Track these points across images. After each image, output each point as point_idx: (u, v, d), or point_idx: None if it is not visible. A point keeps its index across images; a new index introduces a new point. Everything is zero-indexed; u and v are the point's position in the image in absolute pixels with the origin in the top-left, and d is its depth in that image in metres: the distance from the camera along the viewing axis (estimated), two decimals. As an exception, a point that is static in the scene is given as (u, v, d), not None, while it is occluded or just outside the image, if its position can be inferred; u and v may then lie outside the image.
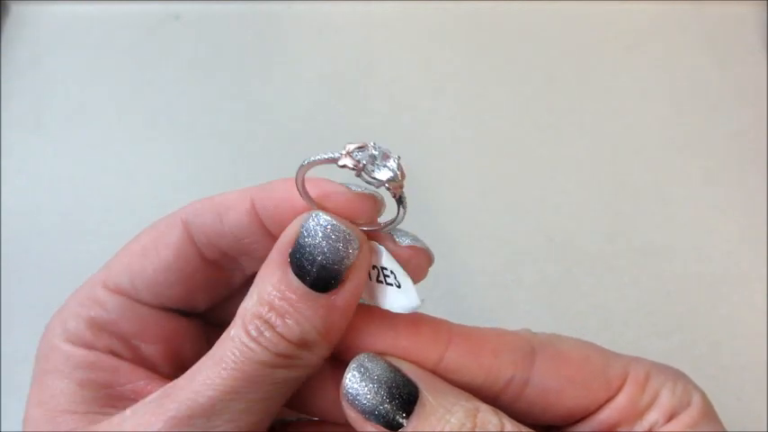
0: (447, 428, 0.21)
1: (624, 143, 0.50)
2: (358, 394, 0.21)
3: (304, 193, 0.22)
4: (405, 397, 0.21)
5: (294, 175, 0.22)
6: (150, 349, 0.25)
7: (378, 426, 0.21)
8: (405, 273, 0.23)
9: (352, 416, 0.21)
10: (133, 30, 0.55)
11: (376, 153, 0.21)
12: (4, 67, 0.54)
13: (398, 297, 0.22)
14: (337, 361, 0.23)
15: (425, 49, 0.55)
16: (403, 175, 0.21)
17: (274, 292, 0.21)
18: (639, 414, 0.24)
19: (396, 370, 0.22)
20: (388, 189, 0.21)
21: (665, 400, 0.24)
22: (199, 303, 0.27)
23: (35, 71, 0.54)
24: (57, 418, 0.23)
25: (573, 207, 0.48)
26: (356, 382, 0.21)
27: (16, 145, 0.51)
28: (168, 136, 0.51)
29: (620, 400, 0.24)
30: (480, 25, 0.55)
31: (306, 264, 0.21)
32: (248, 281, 0.26)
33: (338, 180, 0.24)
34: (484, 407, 0.22)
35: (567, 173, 0.49)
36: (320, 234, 0.21)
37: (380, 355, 0.22)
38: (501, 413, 0.22)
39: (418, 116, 0.52)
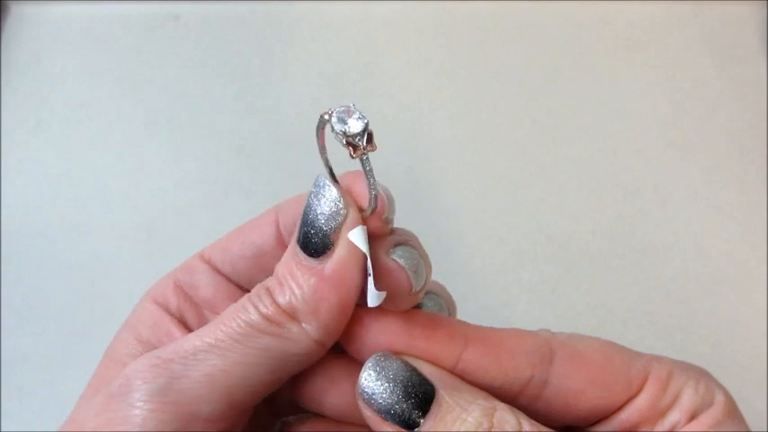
0: (464, 428, 0.21)
1: (624, 143, 0.50)
2: (374, 393, 0.21)
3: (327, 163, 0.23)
4: (421, 396, 0.21)
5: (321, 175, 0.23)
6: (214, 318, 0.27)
7: (394, 425, 0.21)
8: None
9: (368, 415, 0.21)
10: (133, 30, 0.55)
11: (340, 112, 0.21)
12: (4, 67, 0.54)
13: (371, 288, 0.22)
14: (353, 361, 0.23)
15: (425, 49, 0.55)
16: (365, 146, 0.21)
17: (282, 265, 0.22)
18: (661, 414, 0.23)
19: (412, 369, 0.22)
20: (351, 148, 0.21)
21: (687, 400, 0.23)
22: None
23: (35, 71, 0.54)
24: (109, 367, 0.25)
25: (573, 207, 0.48)
26: (372, 381, 0.21)
27: (16, 145, 0.51)
28: (168, 136, 0.52)
29: (641, 400, 0.23)
30: (480, 25, 0.55)
31: (304, 227, 0.22)
32: None
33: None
34: (501, 406, 0.22)
35: (567, 173, 0.49)
36: (315, 194, 0.22)
37: (396, 354, 0.22)
38: (519, 412, 0.22)
39: (418, 116, 0.52)
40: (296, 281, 0.22)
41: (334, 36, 0.55)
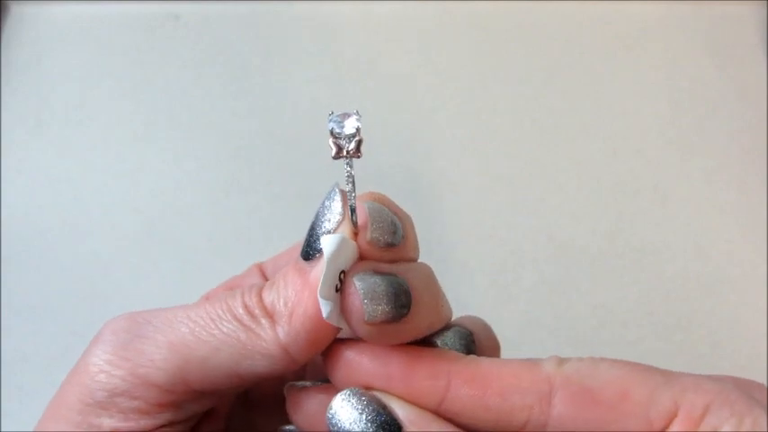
0: None
1: (624, 143, 0.50)
2: (341, 428, 0.21)
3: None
4: None
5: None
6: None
7: None
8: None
9: None
10: (133, 30, 0.55)
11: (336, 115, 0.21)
12: (4, 67, 0.54)
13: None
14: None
15: (425, 49, 0.55)
16: (351, 150, 0.21)
17: (281, 272, 0.23)
18: None
19: (381, 407, 0.21)
20: (335, 148, 0.21)
21: None
22: None
23: (35, 71, 0.54)
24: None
25: (573, 207, 0.48)
26: (339, 415, 0.21)
27: (16, 145, 0.51)
28: (168, 136, 0.51)
29: None
30: (480, 25, 0.55)
31: (308, 231, 0.22)
32: None
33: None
34: None
35: (567, 173, 0.49)
36: (324, 200, 0.22)
37: (370, 389, 0.21)
38: None
39: (418, 116, 0.52)
40: (284, 281, 0.22)
41: (334, 36, 0.55)
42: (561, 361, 0.21)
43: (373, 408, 0.21)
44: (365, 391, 0.21)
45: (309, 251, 0.22)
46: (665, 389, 0.20)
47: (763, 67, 0.52)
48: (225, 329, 0.22)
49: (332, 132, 0.21)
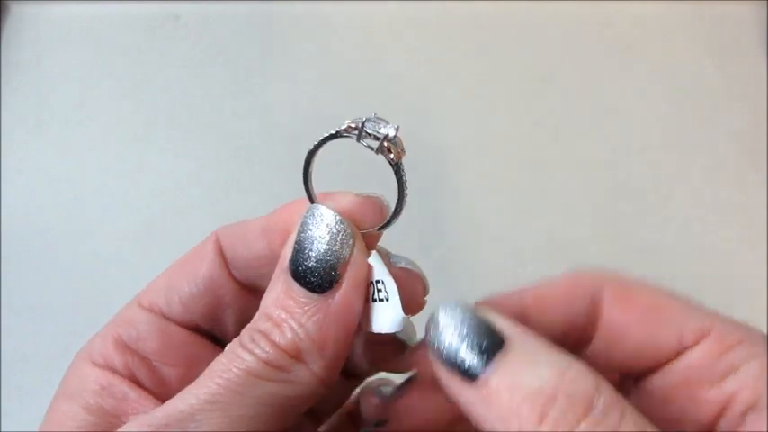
0: (526, 383, 0.18)
1: (624, 143, 0.50)
2: (439, 340, 0.20)
3: (311, 189, 0.22)
4: (489, 347, 0.19)
5: (303, 179, 0.22)
6: (170, 372, 0.24)
7: (456, 373, 0.19)
8: (394, 283, 0.21)
9: (432, 359, 0.20)
10: (133, 30, 0.55)
11: (373, 118, 0.21)
12: (4, 67, 0.54)
13: (386, 312, 0.21)
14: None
15: (425, 50, 0.55)
16: (402, 150, 0.21)
17: (273, 303, 0.21)
18: (715, 377, 0.20)
19: (481, 318, 0.20)
20: (388, 152, 0.20)
21: (751, 376, 0.20)
22: (227, 327, 0.26)
23: (35, 71, 0.54)
24: None
25: (573, 207, 0.48)
26: (440, 330, 0.20)
27: (16, 145, 0.51)
28: (168, 136, 0.51)
29: (694, 354, 0.21)
30: (480, 25, 0.55)
31: (302, 260, 0.21)
32: None
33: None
34: (579, 366, 0.19)
35: (567, 173, 0.49)
36: (315, 225, 0.21)
37: (467, 303, 0.21)
38: (602, 379, 0.19)
39: (418, 116, 0.52)
40: (296, 319, 0.20)
41: (334, 36, 0.55)
42: (607, 271, 0.23)
43: (476, 319, 0.20)
44: (463, 303, 0.21)
45: (320, 282, 0.20)
46: (700, 314, 0.22)
47: (763, 67, 0.52)
48: (259, 393, 0.20)
49: (384, 137, 0.20)
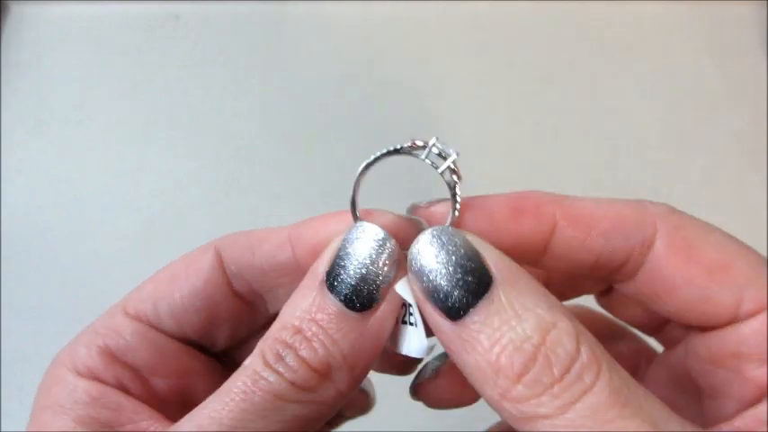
0: (508, 336, 0.17)
1: (624, 143, 0.50)
2: (424, 268, 0.19)
3: (356, 203, 0.21)
4: (474, 286, 0.18)
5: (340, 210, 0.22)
6: (161, 384, 0.23)
7: (436, 308, 0.18)
8: (418, 311, 0.20)
9: (414, 289, 0.19)
10: (133, 30, 0.55)
11: (438, 140, 0.21)
12: (4, 67, 0.54)
13: (415, 337, 0.20)
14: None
15: (425, 49, 0.55)
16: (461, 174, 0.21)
17: (304, 315, 0.19)
18: None
19: (473, 252, 0.19)
20: (452, 173, 0.21)
21: None
22: (219, 339, 0.25)
23: (35, 71, 0.54)
24: None
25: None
26: (425, 255, 0.19)
27: (16, 145, 0.51)
28: (168, 136, 0.51)
29: (747, 328, 0.19)
30: (480, 25, 0.55)
31: (343, 276, 0.19)
32: (270, 321, 0.25)
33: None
34: (563, 325, 0.18)
35: (567, 173, 0.49)
36: (364, 242, 0.20)
37: (463, 231, 0.19)
38: (584, 335, 0.18)
39: (418, 116, 0.52)
40: (330, 336, 0.19)
41: (334, 36, 0.55)
42: (673, 210, 0.21)
43: (465, 251, 0.19)
44: (457, 230, 0.19)
45: (363, 301, 0.19)
46: (763, 281, 0.20)
47: (763, 67, 0.52)
48: (285, 416, 0.19)
49: (453, 161, 0.21)
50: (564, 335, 0.18)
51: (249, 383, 0.19)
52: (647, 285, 0.20)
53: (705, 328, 0.20)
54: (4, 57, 0.55)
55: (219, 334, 0.24)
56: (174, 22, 0.56)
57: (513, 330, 0.17)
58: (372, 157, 0.21)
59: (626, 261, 0.20)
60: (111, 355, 0.22)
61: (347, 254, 0.20)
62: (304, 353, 0.19)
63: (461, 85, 0.53)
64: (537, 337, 0.17)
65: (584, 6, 0.55)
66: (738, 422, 0.19)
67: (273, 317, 0.21)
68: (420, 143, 0.21)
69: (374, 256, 0.19)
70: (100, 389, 0.22)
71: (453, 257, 0.18)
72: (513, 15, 0.55)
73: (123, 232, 0.48)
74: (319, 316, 0.19)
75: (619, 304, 0.25)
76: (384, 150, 0.21)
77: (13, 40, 0.55)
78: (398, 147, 0.21)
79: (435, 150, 0.21)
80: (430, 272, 0.18)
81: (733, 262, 0.20)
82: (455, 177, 0.21)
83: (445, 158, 0.21)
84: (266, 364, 0.19)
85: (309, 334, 0.19)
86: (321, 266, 0.20)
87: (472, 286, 0.18)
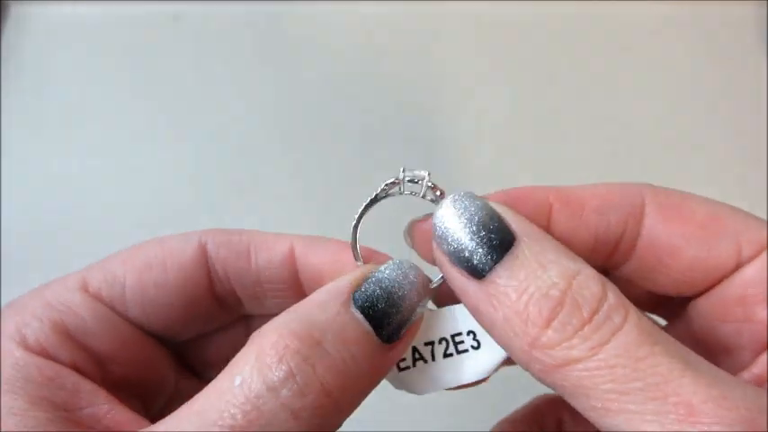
0: (535, 285, 0.18)
1: (624, 143, 0.50)
2: (448, 230, 0.19)
3: (357, 251, 0.22)
4: (497, 243, 0.19)
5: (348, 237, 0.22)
6: (116, 370, 0.22)
7: (461, 269, 0.19)
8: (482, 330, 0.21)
9: (438, 255, 0.20)
10: (133, 30, 0.55)
11: (405, 169, 0.22)
12: (4, 67, 0.54)
13: (476, 361, 0.21)
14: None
15: (425, 50, 0.55)
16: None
17: (325, 327, 0.18)
18: None
19: (495, 213, 0.19)
20: (433, 190, 0.22)
21: None
22: (184, 333, 0.24)
23: (35, 71, 0.54)
24: None
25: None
26: (448, 218, 0.19)
27: (16, 145, 0.51)
28: (168, 136, 0.51)
29: (751, 270, 0.20)
30: (481, 25, 0.55)
31: (377, 303, 0.19)
32: (240, 321, 0.25)
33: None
34: (588, 272, 0.18)
35: (567, 173, 0.49)
36: (402, 274, 0.20)
37: (483, 196, 0.20)
38: (608, 283, 0.18)
39: (418, 116, 0.52)
40: (352, 357, 0.18)
41: (334, 36, 0.55)
42: (653, 184, 0.22)
43: (487, 213, 0.19)
44: (478, 196, 0.20)
45: (390, 333, 0.19)
46: (758, 223, 0.20)
47: (763, 67, 0.52)
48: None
49: (426, 179, 0.22)
50: (589, 279, 0.18)
51: (249, 408, 0.17)
52: (649, 256, 0.21)
53: (709, 288, 0.21)
54: (4, 57, 0.55)
55: (186, 329, 0.24)
56: (174, 22, 0.56)
57: (540, 279, 0.18)
58: (356, 217, 0.22)
59: (622, 234, 0.21)
60: (67, 334, 0.21)
61: (384, 282, 0.20)
62: (321, 369, 0.18)
63: (462, 85, 0.53)
64: (563, 283, 0.18)
65: (584, 6, 0.55)
66: (756, 368, 0.19)
67: (247, 316, 0.21)
68: (390, 180, 0.21)
69: (410, 291, 0.20)
70: (56, 369, 0.20)
71: (476, 217, 0.19)
72: (513, 15, 0.55)
73: (123, 232, 0.48)
74: (345, 333, 0.18)
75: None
76: (363, 206, 0.22)
77: (13, 40, 0.55)
78: (374, 196, 0.22)
79: (407, 179, 0.21)
80: (455, 232, 0.19)
81: (722, 214, 0.21)
82: (437, 193, 0.21)
83: (419, 183, 0.21)
84: (271, 388, 0.17)
85: (334, 352, 0.18)
86: (349, 283, 0.20)
87: (496, 243, 0.19)
